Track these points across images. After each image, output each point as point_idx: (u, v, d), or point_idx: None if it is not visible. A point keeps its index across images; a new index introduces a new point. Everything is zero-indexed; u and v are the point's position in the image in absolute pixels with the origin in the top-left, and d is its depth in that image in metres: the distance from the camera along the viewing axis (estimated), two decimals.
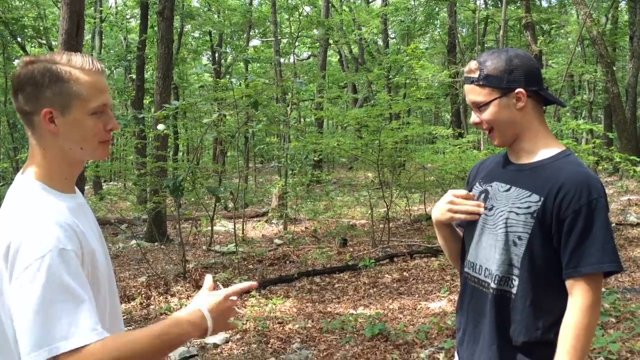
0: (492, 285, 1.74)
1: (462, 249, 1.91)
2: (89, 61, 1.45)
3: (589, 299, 1.60)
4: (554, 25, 20.59)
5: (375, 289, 6.87)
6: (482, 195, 1.85)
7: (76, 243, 1.35)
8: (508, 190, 1.77)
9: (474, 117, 1.80)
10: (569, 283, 1.63)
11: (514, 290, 1.70)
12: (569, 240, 1.62)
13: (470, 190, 1.92)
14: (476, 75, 1.74)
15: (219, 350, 4.92)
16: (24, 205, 1.37)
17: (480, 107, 1.75)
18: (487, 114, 1.74)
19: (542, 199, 1.67)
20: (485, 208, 1.81)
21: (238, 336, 5.22)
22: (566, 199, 1.63)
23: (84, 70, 1.43)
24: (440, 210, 1.86)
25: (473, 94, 1.76)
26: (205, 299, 1.49)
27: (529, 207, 1.68)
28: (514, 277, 1.70)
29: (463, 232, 1.92)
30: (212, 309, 1.47)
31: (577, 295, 1.61)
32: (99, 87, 1.45)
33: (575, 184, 1.63)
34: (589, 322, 1.60)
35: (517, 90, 1.71)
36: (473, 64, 1.76)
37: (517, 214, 1.70)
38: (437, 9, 22.16)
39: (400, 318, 5.66)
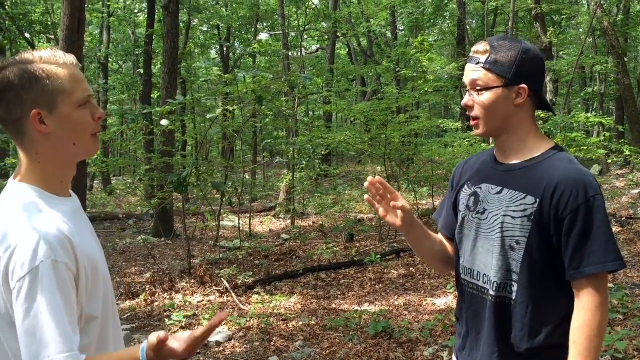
0: (491, 292, 1.67)
1: (457, 254, 1.85)
2: (61, 55, 1.42)
3: (596, 299, 1.55)
4: (564, 16, 20.33)
5: (381, 285, 6.82)
6: (472, 199, 1.77)
7: (70, 254, 1.31)
8: (500, 192, 1.70)
9: (466, 99, 1.70)
10: (574, 284, 1.58)
11: (513, 297, 1.64)
12: (569, 241, 1.56)
13: (458, 194, 1.85)
14: (484, 57, 1.65)
15: (221, 348, 4.89)
16: (19, 210, 1.34)
17: (478, 90, 1.66)
18: (483, 100, 1.65)
19: (537, 200, 1.60)
20: (477, 212, 1.74)
21: (241, 334, 5.20)
22: (563, 199, 1.56)
23: (60, 65, 1.40)
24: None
25: (475, 74, 1.66)
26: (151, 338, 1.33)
27: (525, 210, 1.62)
28: (513, 282, 1.64)
29: (456, 237, 1.85)
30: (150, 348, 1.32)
31: (584, 296, 1.56)
32: (77, 79, 1.42)
33: (570, 183, 1.57)
34: (599, 321, 1.55)
35: (520, 86, 1.63)
36: (482, 46, 1.66)
37: (512, 217, 1.63)
38: (446, 0, 21.92)
39: (405, 315, 5.61)
